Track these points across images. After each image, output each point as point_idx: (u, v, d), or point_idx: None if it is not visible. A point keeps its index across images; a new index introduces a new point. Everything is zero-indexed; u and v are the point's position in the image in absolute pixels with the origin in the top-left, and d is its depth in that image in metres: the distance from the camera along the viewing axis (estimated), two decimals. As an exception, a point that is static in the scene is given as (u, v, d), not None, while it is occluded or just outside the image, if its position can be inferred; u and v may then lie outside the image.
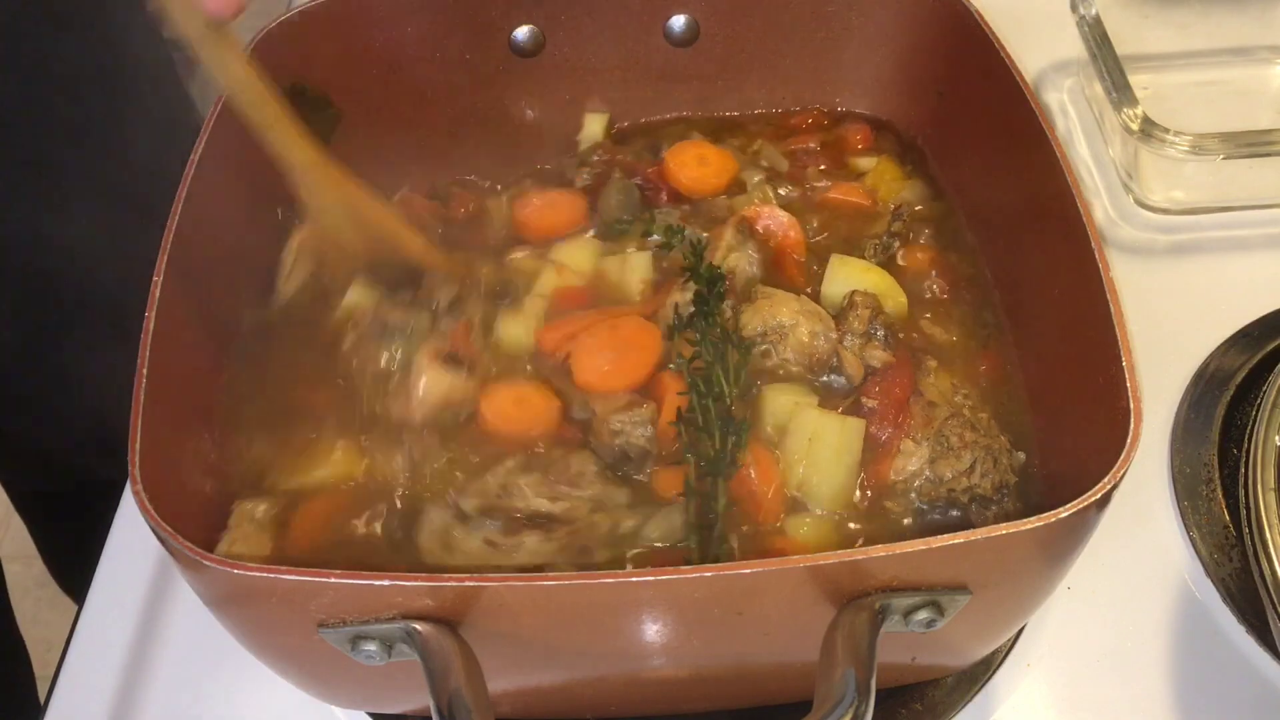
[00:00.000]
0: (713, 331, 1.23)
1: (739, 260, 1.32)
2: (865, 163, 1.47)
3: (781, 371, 1.25)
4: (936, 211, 1.42)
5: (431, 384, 1.21)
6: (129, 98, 1.73)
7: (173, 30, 1.07)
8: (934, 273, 1.35)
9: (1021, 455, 1.19)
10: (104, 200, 1.67)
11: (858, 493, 1.17)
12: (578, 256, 1.37)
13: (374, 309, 1.26)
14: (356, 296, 1.29)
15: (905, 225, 1.38)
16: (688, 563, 1.11)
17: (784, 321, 1.25)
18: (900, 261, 1.36)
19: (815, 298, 1.31)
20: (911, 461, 1.17)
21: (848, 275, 1.32)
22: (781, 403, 1.22)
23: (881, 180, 1.45)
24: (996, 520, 1.15)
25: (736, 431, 1.17)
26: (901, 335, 1.27)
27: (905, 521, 1.17)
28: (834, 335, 1.25)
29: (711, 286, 1.26)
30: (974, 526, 1.14)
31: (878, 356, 1.23)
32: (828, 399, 1.23)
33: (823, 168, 1.47)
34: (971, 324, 1.31)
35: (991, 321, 1.30)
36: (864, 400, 1.21)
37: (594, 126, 1.52)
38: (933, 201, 1.43)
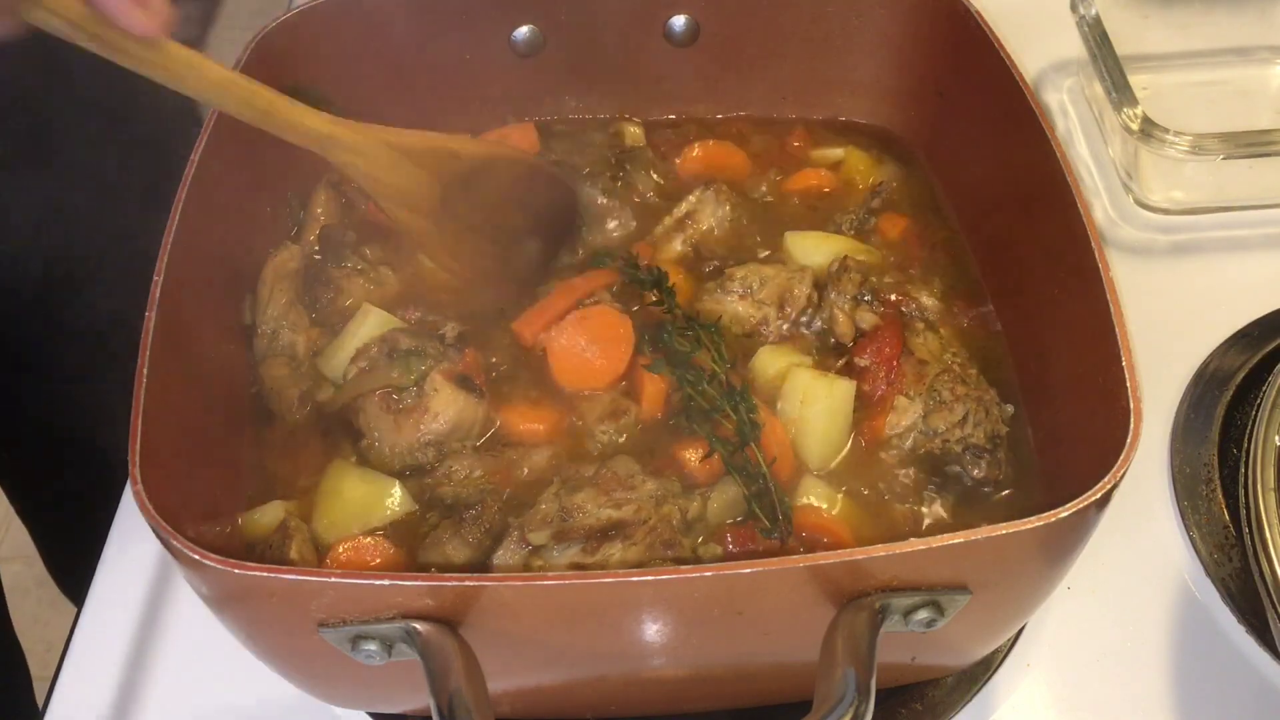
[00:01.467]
0: (679, 328, 1.26)
1: (704, 205, 1.39)
2: (833, 154, 1.50)
3: (758, 319, 1.29)
4: (913, 188, 1.45)
5: (446, 402, 1.20)
6: (130, 97, 1.72)
7: (120, 59, 0.99)
8: (912, 241, 1.40)
9: (1010, 408, 1.23)
10: (105, 200, 1.67)
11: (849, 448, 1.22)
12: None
13: (383, 336, 1.25)
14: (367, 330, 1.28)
15: (884, 201, 1.42)
16: (764, 532, 1.14)
17: (766, 273, 1.32)
18: (875, 232, 1.41)
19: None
20: (906, 416, 1.21)
21: (804, 247, 1.37)
22: (774, 365, 1.26)
23: (855, 168, 1.48)
24: (990, 470, 1.19)
25: (743, 397, 1.20)
26: (891, 298, 1.31)
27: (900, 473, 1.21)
28: (808, 286, 1.31)
29: (659, 286, 1.30)
30: (969, 478, 1.19)
31: (867, 319, 1.28)
32: (823, 361, 1.27)
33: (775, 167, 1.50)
34: (952, 287, 1.35)
35: (972, 284, 1.35)
36: (856, 360, 1.25)
37: None
38: (907, 181, 1.46)
